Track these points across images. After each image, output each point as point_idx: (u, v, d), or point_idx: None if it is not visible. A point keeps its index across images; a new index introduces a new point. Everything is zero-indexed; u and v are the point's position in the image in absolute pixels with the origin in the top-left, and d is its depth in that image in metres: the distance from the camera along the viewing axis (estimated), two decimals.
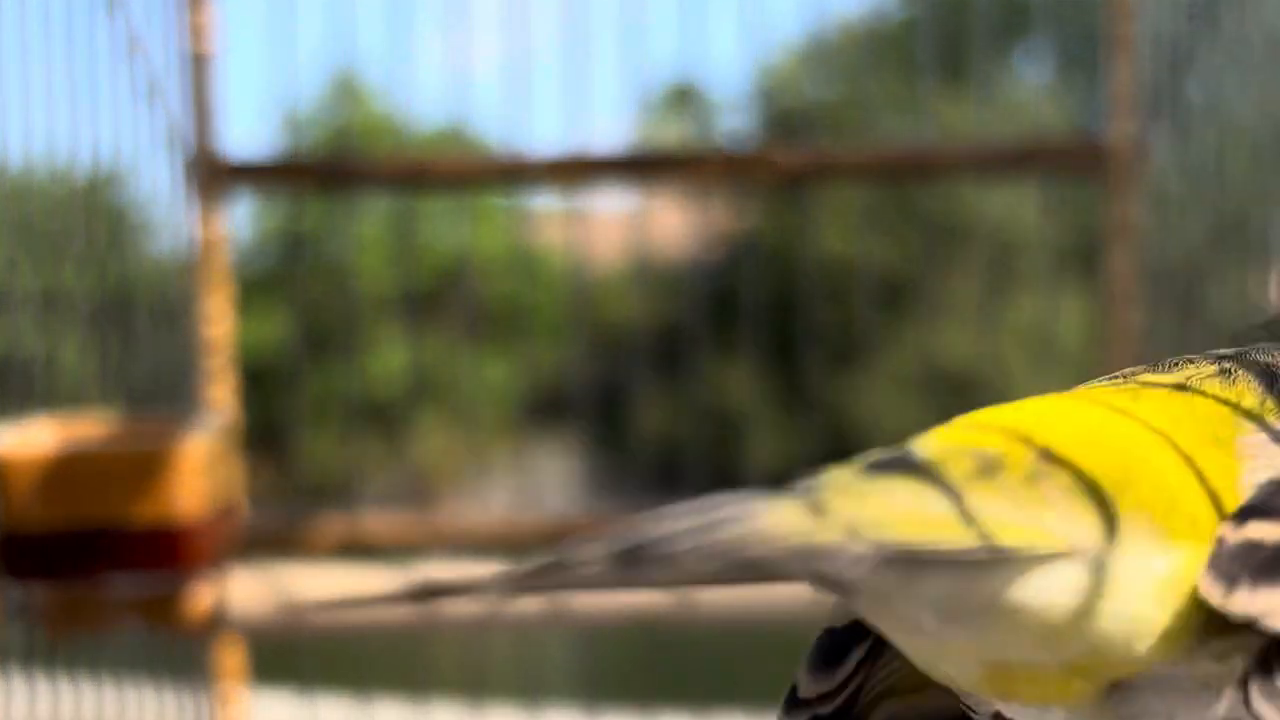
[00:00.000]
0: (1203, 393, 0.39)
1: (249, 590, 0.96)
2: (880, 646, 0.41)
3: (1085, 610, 0.35)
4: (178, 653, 1.21)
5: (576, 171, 1.38)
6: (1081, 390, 0.41)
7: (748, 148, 1.39)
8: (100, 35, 1.03)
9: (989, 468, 0.35)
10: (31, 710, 0.89)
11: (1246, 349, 0.42)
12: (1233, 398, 0.39)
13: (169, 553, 0.90)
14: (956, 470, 0.35)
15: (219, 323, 1.38)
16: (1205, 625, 0.35)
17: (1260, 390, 0.39)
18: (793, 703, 0.44)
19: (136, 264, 1.11)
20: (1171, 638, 0.35)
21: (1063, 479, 0.35)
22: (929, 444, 0.36)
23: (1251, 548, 0.35)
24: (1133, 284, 1.35)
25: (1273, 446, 0.37)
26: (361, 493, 1.46)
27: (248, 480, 1.30)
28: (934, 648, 0.37)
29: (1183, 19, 1.09)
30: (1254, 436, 0.38)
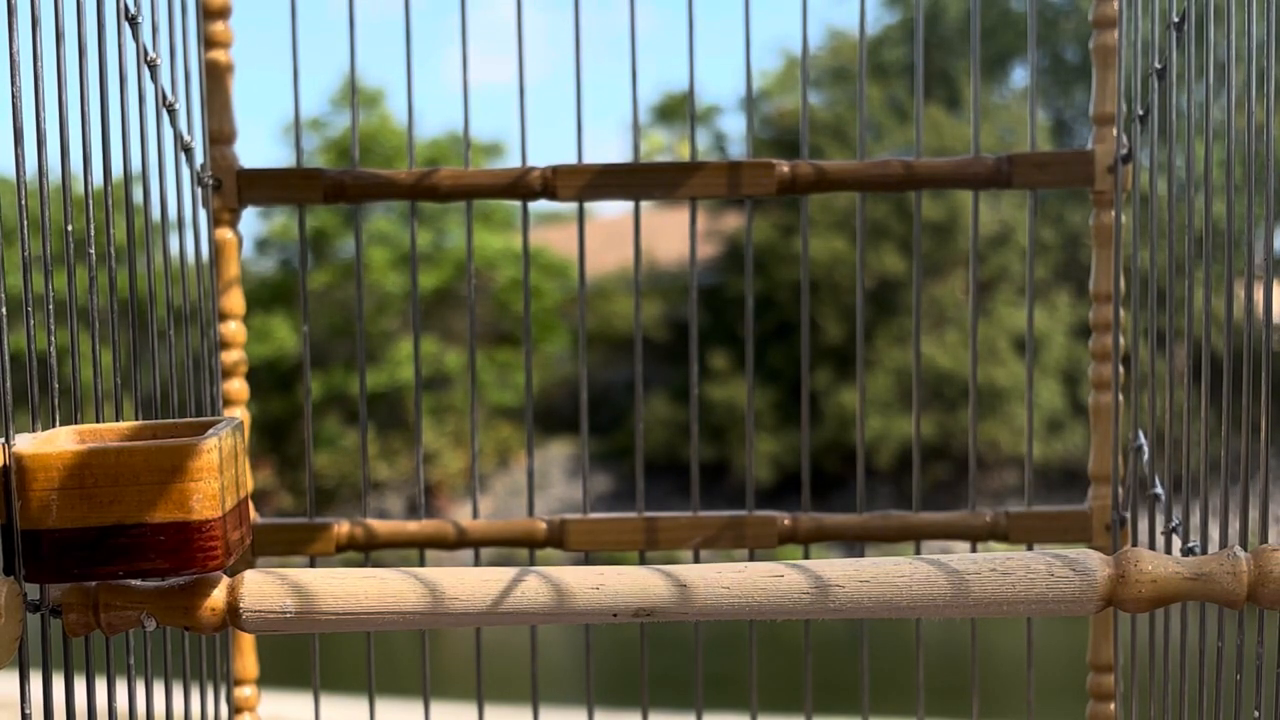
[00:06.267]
0: None
1: (263, 590, 0.97)
2: None
3: None
4: (193, 651, 1.23)
5: (579, 181, 1.40)
6: None
7: (745, 158, 1.42)
8: (113, 44, 1.04)
9: None
10: (49, 709, 0.90)
11: None
12: None
13: (185, 552, 0.90)
14: None
15: (232, 327, 1.40)
16: None
17: None
18: None
19: (151, 271, 1.13)
20: None
21: None
22: None
23: None
24: (1118, 290, 1.37)
25: None
26: (372, 492, 1.48)
27: (261, 480, 1.32)
28: None
29: (1168, 30, 1.12)
30: None
